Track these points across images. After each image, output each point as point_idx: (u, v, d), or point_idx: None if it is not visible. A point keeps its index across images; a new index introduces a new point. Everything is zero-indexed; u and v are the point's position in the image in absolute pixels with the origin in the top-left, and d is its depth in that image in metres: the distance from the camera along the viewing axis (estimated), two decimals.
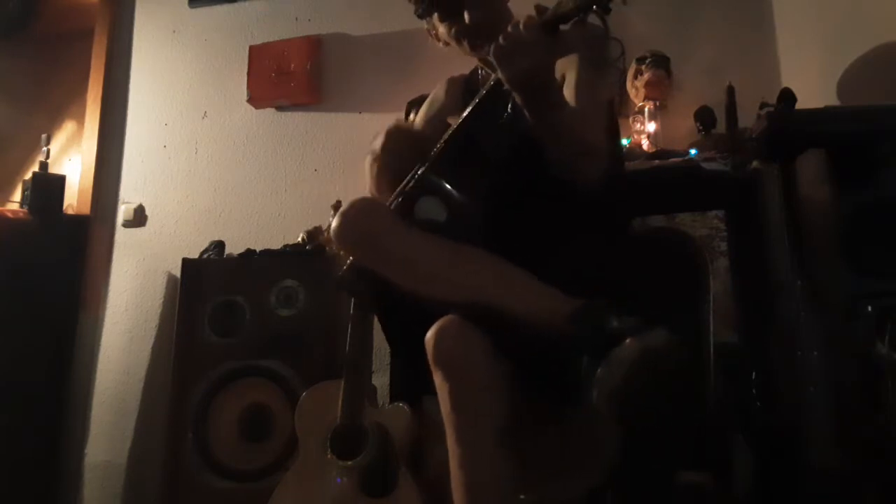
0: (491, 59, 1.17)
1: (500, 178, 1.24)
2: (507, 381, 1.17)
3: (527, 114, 1.20)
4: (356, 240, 1.23)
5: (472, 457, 1.16)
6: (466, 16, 1.43)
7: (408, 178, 1.30)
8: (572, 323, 1.10)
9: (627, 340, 1.03)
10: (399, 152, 1.34)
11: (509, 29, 1.15)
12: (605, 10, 1.12)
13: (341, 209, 1.24)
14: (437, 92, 1.69)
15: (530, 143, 1.24)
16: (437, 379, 1.17)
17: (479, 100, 1.28)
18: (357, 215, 1.23)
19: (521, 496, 1.26)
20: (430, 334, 1.16)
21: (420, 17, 1.52)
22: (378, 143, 1.37)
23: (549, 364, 1.13)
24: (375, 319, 2.01)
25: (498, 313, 1.14)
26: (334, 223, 1.23)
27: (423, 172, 1.27)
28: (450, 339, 1.15)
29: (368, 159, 1.42)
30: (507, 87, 1.19)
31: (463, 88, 1.62)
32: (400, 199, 1.27)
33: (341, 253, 2.19)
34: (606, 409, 1.04)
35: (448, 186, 1.23)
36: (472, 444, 1.16)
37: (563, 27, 1.15)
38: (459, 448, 1.16)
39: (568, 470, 1.26)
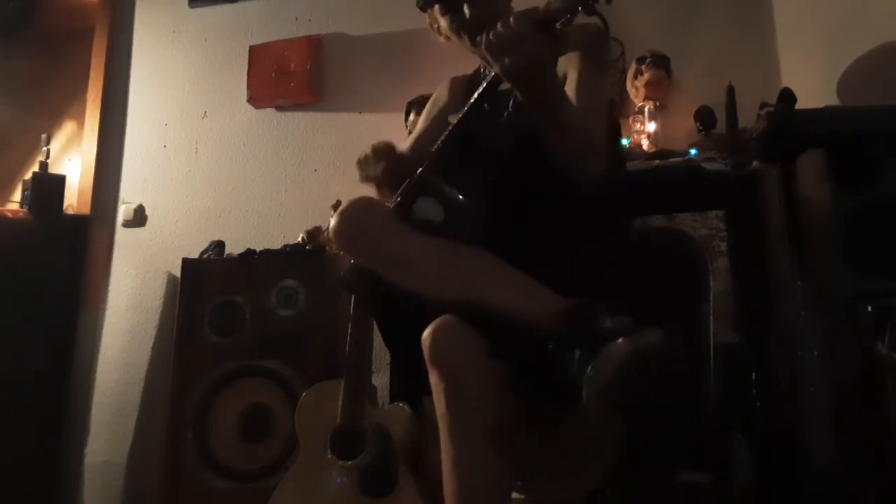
0: (484, 52, 1.17)
1: (499, 178, 1.23)
2: (502, 382, 1.17)
3: (527, 108, 1.19)
4: (353, 238, 1.23)
5: (465, 457, 1.16)
6: (466, 10, 1.42)
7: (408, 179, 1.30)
8: (562, 322, 1.10)
9: (619, 340, 1.03)
10: (387, 172, 1.36)
11: (499, 24, 1.14)
12: (589, 12, 1.11)
13: (340, 208, 1.24)
14: (439, 92, 1.68)
15: (530, 142, 1.23)
16: (433, 378, 1.17)
17: (476, 98, 1.28)
18: (354, 214, 1.23)
19: (521, 496, 1.26)
20: (426, 334, 1.17)
21: (422, 9, 1.51)
22: (362, 158, 1.40)
23: (544, 364, 1.13)
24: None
25: (492, 313, 1.14)
26: (333, 221, 1.23)
27: (421, 173, 1.26)
28: (445, 339, 1.16)
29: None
30: (504, 81, 1.18)
31: (465, 88, 1.60)
32: (398, 200, 1.27)
33: (341, 253, 2.20)
34: (597, 407, 1.04)
35: (446, 186, 1.22)
36: (466, 444, 1.16)
37: (558, 26, 1.15)
38: (453, 448, 1.17)
39: (567, 470, 1.26)
